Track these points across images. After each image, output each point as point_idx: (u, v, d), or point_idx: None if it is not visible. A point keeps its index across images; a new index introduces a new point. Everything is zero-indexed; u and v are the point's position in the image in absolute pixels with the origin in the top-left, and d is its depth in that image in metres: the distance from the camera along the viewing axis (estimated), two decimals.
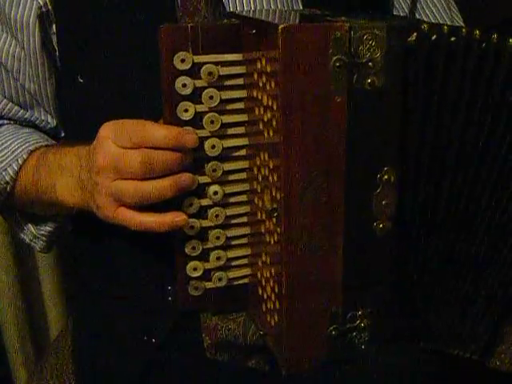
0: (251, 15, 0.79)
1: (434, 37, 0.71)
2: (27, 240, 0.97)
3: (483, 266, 0.80)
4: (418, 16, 1.02)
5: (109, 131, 0.74)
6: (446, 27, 0.72)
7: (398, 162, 0.72)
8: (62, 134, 0.96)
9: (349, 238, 0.73)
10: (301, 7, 0.88)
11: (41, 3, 0.85)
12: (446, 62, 0.72)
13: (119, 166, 0.73)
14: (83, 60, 0.86)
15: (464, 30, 0.72)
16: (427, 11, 1.02)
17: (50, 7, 0.86)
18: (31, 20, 0.86)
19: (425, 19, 1.01)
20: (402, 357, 0.83)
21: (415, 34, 0.70)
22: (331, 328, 0.75)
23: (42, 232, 0.96)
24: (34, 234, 0.96)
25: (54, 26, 0.87)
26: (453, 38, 0.72)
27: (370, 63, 0.69)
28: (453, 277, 0.81)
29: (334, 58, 0.68)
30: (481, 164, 0.76)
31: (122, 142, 0.73)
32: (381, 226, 0.73)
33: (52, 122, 0.95)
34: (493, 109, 0.74)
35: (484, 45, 0.72)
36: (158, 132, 0.72)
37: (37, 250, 0.99)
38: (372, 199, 0.73)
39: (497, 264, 0.80)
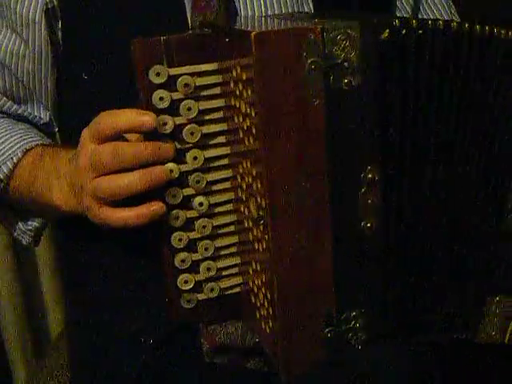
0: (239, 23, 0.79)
1: (403, 31, 0.71)
2: (14, 234, 0.98)
3: (471, 259, 0.81)
4: (420, 17, 1.02)
5: (87, 131, 0.76)
6: (414, 21, 0.72)
7: (381, 160, 0.72)
8: (56, 129, 0.96)
9: (337, 239, 0.73)
10: (312, 9, 0.87)
11: None
12: (416, 55, 0.72)
13: (94, 163, 0.74)
14: (89, 56, 0.85)
15: (430, 22, 0.73)
16: (429, 12, 1.02)
17: (55, 3, 0.85)
18: (37, 16, 0.86)
19: None
20: (399, 356, 0.83)
21: (387, 30, 0.70)
22: (326, 330, 0.74)
23: (29, 227, 0.97)
24: (21, 229, 0.97)
25: (59, 23, 0.86)
26: (420, 31, 0.72)
27: (345, 63, 0.69)
28: (444, 272, 0.81)
29: (309, 61, 0.68)
30: (463, 156, 0.76)
31: (95, 135, 0.74)
32: (368, 224, 0.73)
33: (45, 117, 0.94)
34: (458, 98, 0.74)
35: (447, 33, 0.72)
36: (120, 116, 0.73)
37: (23, 244, 1.00)
38: (357, 199, 0.73)
39: (486, 257, 0.81)
